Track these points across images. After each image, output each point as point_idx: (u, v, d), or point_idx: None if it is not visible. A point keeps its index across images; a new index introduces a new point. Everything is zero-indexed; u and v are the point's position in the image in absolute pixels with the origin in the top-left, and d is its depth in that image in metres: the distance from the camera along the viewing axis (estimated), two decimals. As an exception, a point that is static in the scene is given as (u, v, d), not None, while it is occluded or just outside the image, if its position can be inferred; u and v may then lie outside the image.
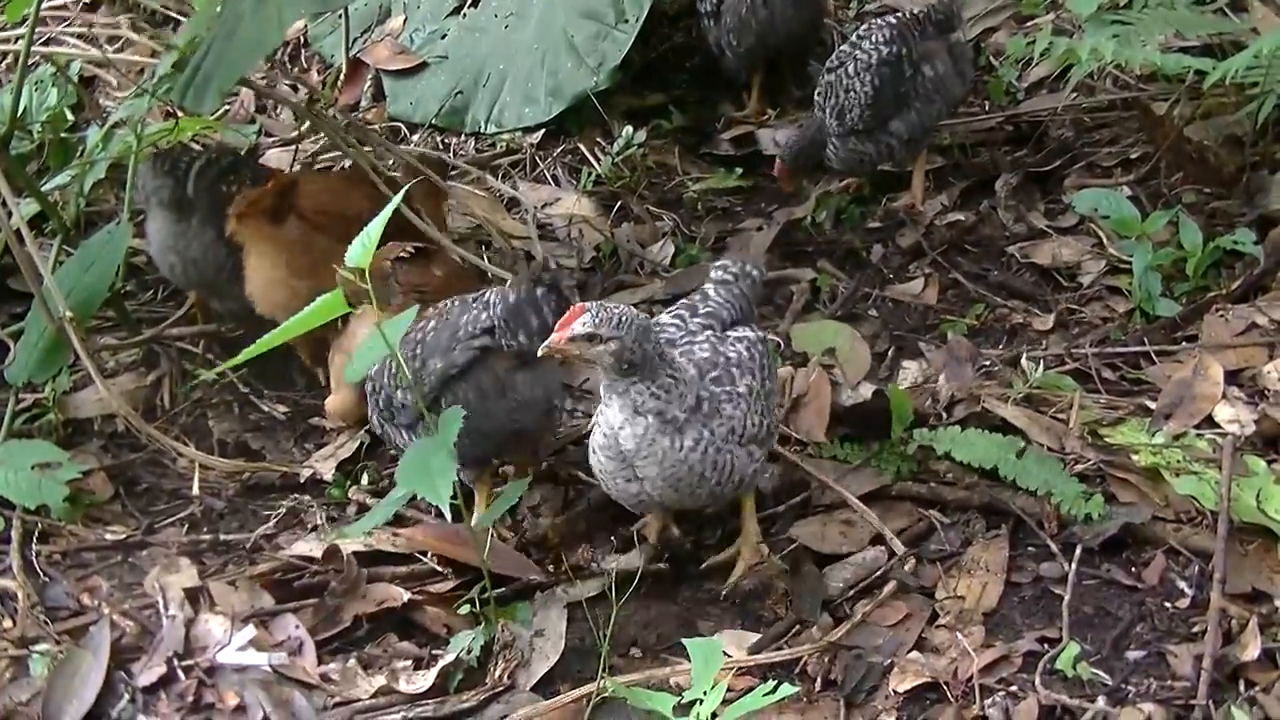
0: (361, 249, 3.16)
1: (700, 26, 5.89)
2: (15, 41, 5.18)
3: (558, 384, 3.97)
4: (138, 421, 4.23)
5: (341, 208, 4.42)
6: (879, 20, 5.15)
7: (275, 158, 5.58)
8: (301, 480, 4.27)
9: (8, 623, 3.76)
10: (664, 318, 3.71)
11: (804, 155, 5.14)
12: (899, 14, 5.17)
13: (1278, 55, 4.60)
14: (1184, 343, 4.31)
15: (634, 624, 3.63)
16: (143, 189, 4.68)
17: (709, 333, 3.62)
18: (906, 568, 3.66)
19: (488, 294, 3.84)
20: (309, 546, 3.92)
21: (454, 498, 3.20)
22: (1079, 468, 3.82)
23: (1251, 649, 3.27)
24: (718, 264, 3.94)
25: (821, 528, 3.84)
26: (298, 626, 3.66)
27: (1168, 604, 3.48)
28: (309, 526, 4.09)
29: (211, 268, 4.59)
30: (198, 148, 5.04)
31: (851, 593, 3.63)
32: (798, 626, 3.56)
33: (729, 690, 3.13)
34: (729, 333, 3.65)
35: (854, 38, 5.13)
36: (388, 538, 3.91)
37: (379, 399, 3.89)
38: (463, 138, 5.86)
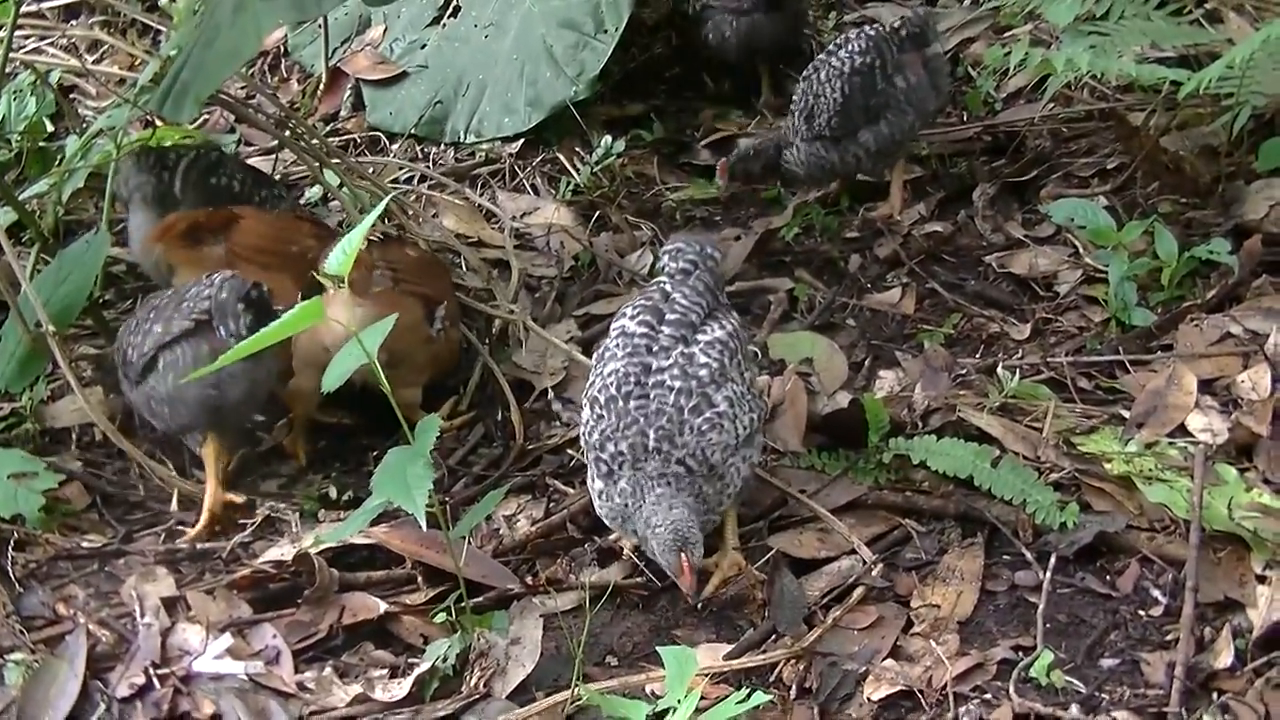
0: (343, 256, 3.15)
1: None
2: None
3: (269, 368, 4.13)
4: (114, 435, 4.22)
5: (284, 244, 4.45)
6: (856, 30, 5.19)
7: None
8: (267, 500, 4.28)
9: (-17, 632, 3.75)
10: (630, 325, 3.64)
11: (748, 163, 5.22)
12: (877, 26, 5.21)
13: (1252, 65, 4.63)
14: (1159, 352, 4.32)
15: (610, 633, 3.63)
16: (125, 185, 4.70)
17: (679, 349, 3.57)
18: (875, 572, 3.67)
19: (216, 276, 4.07)
20: (282, 552, 3.92)
21: (430, 506, 3.20)
22: (1054, 476, 3.82)
23: (1224, 657, 3.28)
24: (670, 249, 3.90)
25: (799, 535, 3.84)
26: (275, 635, 3.65)
27: (1141, 612, 3.49)
28: (285, 534, 4.09)
29: None
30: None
31: (826, 600, 3.63)
32: (774, 634, 3.56)
33: (704, 698, 3.14)
34: (699, 336, 3.61)
35: (830, 46, 5.17)
36: (362, 536, 3.90)
37: (120, 354, 4.21)
38: (442, 147, 5.87)
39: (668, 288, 3.75)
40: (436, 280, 4.51)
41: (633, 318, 3.67)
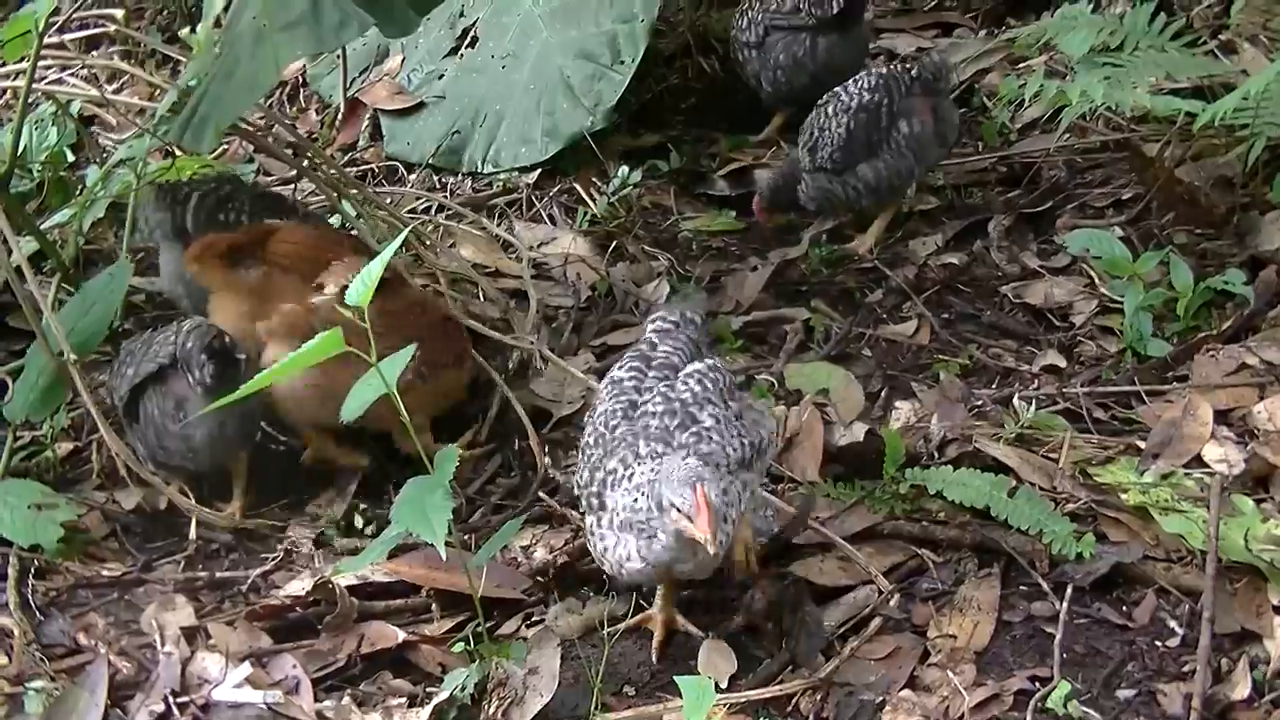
0: (362, 288, 3.17)
1: (737, 57, 5.94)
2: (15, 78, 5.21)
3: (242, 416, 4.19)
4: (136, 464, 4.25)
5: (321, 253, 4.46)
6: (868, 70, 5.25)
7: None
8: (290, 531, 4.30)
9: (3, 660, 3.75)
10: (619, 373, 3.63)
11: (780, 192, 5.26)
12: (890, 65, 5.27)
13: (1266, 97, 4.64)
14: (1175, 382, 4.33)
15: (628, 663, 3.63)
16: (146, 222, 4.76)
17: (663, 385, 3.54)
18: (892, 603, 3.67)
19: (186, 323, 4.24)
20: (303, 585, 3.93)
21: (449, 536, 3.21)
22: (1070, 507, 3.83)
23: (1241, 688, 3.28)
24: (653, 316, 3.86)
25: (819, 563, 3.85)
26: (295, 665, 3.66)
27: (1158, 643, 3.49)
28: (304, 565, 4.11)
29: None
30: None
31: (843, 630, 3.63)
32: (791, 665, 3.56)
33: (722, 728, 3.16)
34: (680, 374, 3.59)
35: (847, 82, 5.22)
36: (380, 570, 3.92)
37: (111, 396, 4.36)
38: (459, 177, 5.90)
39: (654, 339, 3.73)
40: (408, 330, 4.15)
41: (621, 367, 3.67)
